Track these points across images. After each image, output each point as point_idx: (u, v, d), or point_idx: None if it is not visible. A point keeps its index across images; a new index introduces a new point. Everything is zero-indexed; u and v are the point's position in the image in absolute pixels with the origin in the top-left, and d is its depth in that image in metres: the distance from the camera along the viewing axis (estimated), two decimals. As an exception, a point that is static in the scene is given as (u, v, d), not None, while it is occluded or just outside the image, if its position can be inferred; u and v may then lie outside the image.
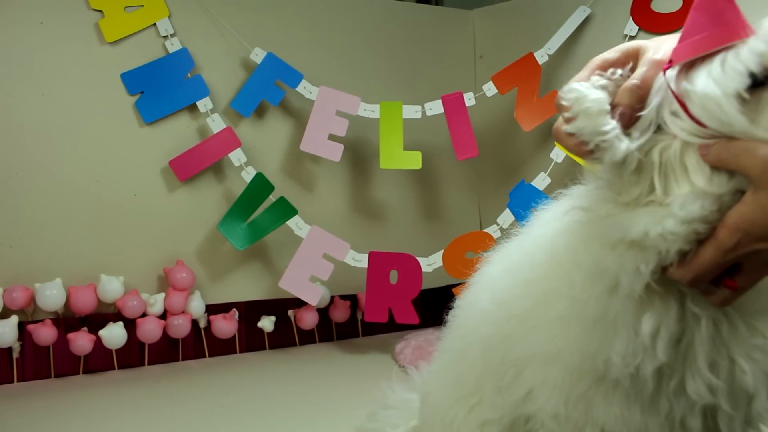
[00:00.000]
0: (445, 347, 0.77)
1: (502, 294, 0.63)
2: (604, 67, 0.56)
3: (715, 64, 0.47)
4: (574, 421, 0.56)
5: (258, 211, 1.63)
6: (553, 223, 0.60)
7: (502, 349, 0.62)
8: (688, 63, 0.49)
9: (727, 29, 0.47)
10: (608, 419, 0.54)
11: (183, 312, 1.59)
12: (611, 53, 0.57)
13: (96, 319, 1.53)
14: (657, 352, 0.51)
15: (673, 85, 0.50)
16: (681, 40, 0.50)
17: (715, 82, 0.47)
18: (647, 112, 0.51)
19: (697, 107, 0.48)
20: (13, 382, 1.46)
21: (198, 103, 1.62)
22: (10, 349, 1.45)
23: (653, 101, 0.51)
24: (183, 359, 1.65)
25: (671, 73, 0.51)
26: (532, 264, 0.61)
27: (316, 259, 1.62)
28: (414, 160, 1.68)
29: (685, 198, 0.48)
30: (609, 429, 0.55)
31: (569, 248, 0.56)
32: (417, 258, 1.65)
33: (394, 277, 1.65)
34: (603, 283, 0.52)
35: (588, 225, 0.53)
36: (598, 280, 0.52)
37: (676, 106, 0.49)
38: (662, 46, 0.54)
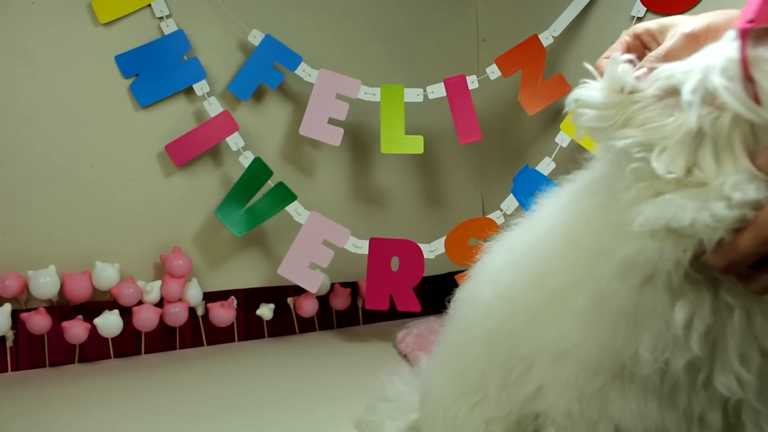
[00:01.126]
0: (446, 342, 0.74)
1: (506, 288, 0.60)
2: (637, 36, 0.61)
3: None
4: (587, 418, 0.53)
5: (256, 197, 1.60)
6: (569, 210, 0.56)
7: (508, 344, 0.59)
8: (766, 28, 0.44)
9: None
10: (623, 415, 0.52)
11: (180, 300, 1.57)
12: (651, 24, 0.61)
13: (91, 307, 1.51)
14: (690, 345, 0.47)
15: (740, 49, 0.44)
16: None
17: None
18: (696, 71, 0.46)
19: (766, 78, 0.42)
20: (7, 371, 1.44)
21: (194, 86, 1.59)
22: (3, 338, 1.43)
23: (704, 63, 0.46)
24: (180, 348, 1.62)
25: (736, 35, 0.45)
26: (541, 257, 0.57)
27: (316, 246, 1.60)
28: (416, 145, 1.65)
29: (740, 178, 0.43)
30: (624, 425, 0.52)
31: (592, 236, 0.51)
32: (419, 244, 1.63)
33: (395, 263, 1.63)
34: (638, 274, 0.48)
35: (614, 210, 0.49)
36: (632, 271, 0.48)
37: (735, 72, 0.44)
38: (693, 23, 0.55)
